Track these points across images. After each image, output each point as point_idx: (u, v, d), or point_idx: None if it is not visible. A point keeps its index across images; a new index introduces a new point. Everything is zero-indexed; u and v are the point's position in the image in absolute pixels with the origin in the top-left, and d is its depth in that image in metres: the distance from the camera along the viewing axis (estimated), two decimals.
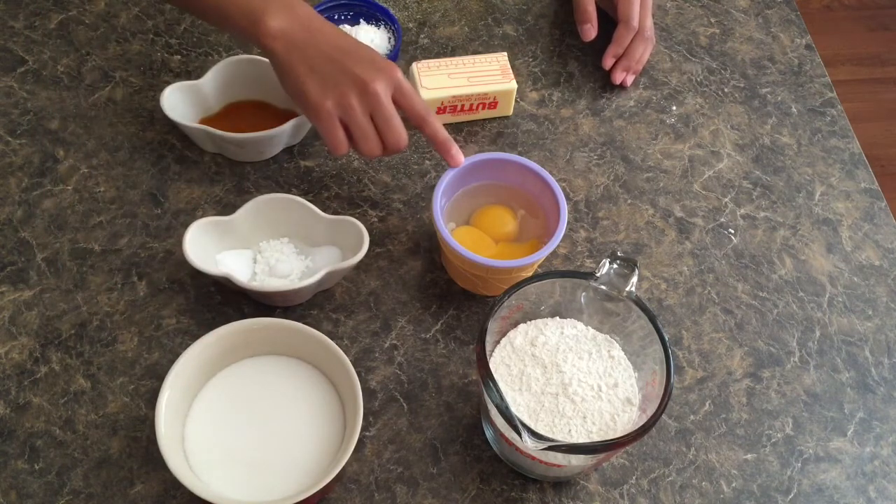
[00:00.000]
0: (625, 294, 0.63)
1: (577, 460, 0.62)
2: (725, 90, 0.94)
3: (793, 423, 0.73)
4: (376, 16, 0.93)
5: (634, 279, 0.63)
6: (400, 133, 0.71)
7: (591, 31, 0.91)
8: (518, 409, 0.63)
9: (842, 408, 0.75)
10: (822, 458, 0.72)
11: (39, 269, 0.75)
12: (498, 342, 0.67)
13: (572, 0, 0.93)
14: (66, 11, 0.91)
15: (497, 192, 0.77)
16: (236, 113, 0.83)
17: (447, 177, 0.73)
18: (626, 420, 0.63)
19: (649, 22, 0.90)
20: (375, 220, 0.80)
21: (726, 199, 0.86)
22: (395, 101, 0.71)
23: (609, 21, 0.93)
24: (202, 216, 0.75)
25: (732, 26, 0.99)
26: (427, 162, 0.84)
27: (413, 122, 0.72)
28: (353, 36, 0.89)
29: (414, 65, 0.85)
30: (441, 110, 0.85)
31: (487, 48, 0.93)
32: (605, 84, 0.92)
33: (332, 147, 0.71)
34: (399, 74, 0.71)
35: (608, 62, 0.91)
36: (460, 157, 0.73)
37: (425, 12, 0.96)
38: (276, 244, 0.75)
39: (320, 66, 0.69)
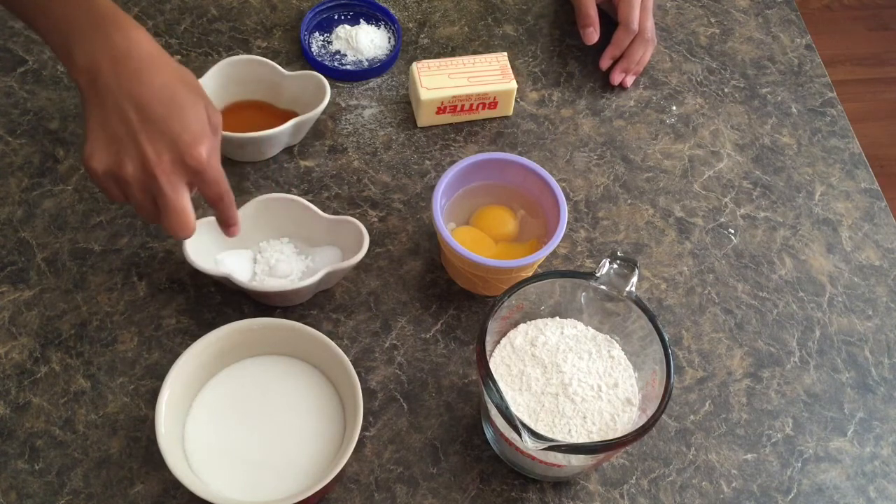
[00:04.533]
0: (625, 294, 0.63)
1: (577, 460, 0.62)
2: (725, 90, 0.94)
3: (793, 423, 0.73)
4: (376, 16, 0.93)
5: (634, 279, 0.63)
6: (179, 225, 0.60)
7: (593, 34, 0.90)
8: (518, 409, 0.63)
9: (842, 408, 0.75)
10: (822, 458, 0.72)
11: (39, 269, 0.75)
12: (498, 342, 0.67)
13: (573, 3, 0.93)
14: None
15: (497, 192, 0.77)
16: (236, 113, 0.83)
17: (447, 177, 0.73)
18: (626, 420, 0.63)
19: (650, 23, 0.90)
20: (375, 220, 0.80)
21: (726, 199, 0.86)
22: (191, 182, 0.61)
23: (610, 21, 0.93)
24: (202, 216, 0.75)
25: (732, 26, 0.99)
26: (427, 162, 0.84)
27: (206, 201, 0.63)
28: (351, 42, 0.90)
29: (414, 65, 0.85)
30: (441, 110, 0.85)
31: (487, 48, 0.93)
32: (605, 84, 0.92)
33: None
34: (202, 157, 0.58)
35: (605, 63, 0.91)
36: (235, 231, 0.66)
37: (425, 12, 0.96)
38: (276, 244, 0.75)
39: (111, 124, 0.57)
